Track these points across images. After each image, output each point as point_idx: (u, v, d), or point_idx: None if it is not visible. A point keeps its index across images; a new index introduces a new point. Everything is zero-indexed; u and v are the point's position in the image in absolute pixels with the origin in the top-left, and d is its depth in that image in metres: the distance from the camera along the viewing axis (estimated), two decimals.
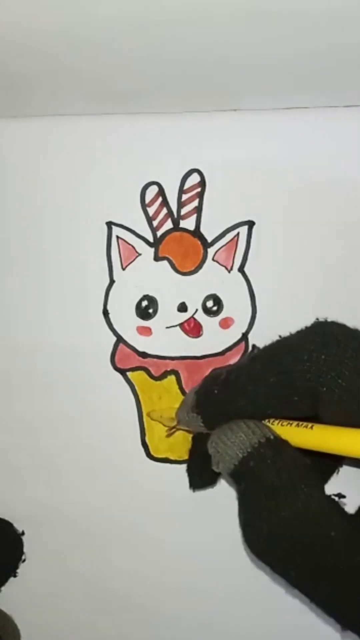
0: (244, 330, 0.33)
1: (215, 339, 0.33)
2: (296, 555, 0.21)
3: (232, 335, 0.33)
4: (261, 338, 0.33)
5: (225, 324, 0.33)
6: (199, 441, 0.26)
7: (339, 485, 0.25)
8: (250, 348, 0.33)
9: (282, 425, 0.23)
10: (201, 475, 0.29)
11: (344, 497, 0.23)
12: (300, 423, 0.22)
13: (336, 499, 0.23)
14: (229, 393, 0.24)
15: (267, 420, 0.23)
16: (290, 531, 0.21)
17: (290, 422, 0.23)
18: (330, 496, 0.22)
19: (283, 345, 0.23)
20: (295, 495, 0.21)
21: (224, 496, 0.32)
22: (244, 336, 0.33)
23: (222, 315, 0.33)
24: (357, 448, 0.20)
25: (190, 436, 0.33)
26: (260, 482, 0.22)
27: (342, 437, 0.20)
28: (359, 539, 0.20)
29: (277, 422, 0.23)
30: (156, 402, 0.33)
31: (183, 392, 0.33)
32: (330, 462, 0.25)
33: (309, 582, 0.21)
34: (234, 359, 0.33)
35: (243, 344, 0.33)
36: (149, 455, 0.33)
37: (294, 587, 0.21)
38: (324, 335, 0.22)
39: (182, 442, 0.33)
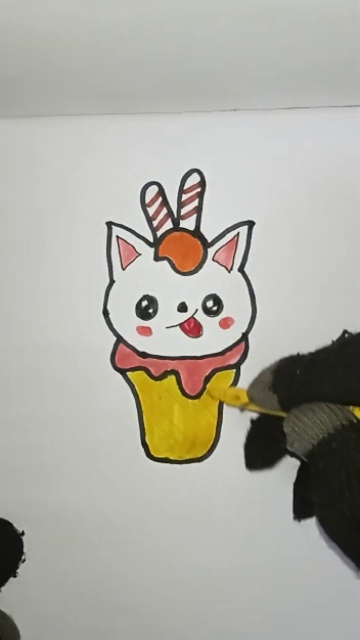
0: (244, 330, 0.33)
1: (215, 339, 0.33)
2: None
3: (232, 335, 0.33)
4: (261, 338, 0.33)
5: (225, 324, 0.33)
6: (262, 423, 0.26)
7: None
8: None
9: None
10: (263, 457, 0.29)
11: None
12: None
13: None
14: (314, 375, 0.23)
15: (351, 407, 0.23)
16: None
17: None
18: None
19: None
20: None
21: (224, 496, 0.32)
22: (244, 336, 0.33)
23: (222, 315, 0.33)
24: None
25: (189, 436, 0.33)
26: (343, 463, 0.21)
27: None
28: None
29: (359, 410, 0.23)
30: (156, 402, 0.33)
31: (183, 392, 0.33)
32: None
33: None
34: (234, 359, 0.33)
35: (243, 344, 0.33)
36: (149, 455, 0.33)
37: None
38: None
39: (182, 442, 0.33)
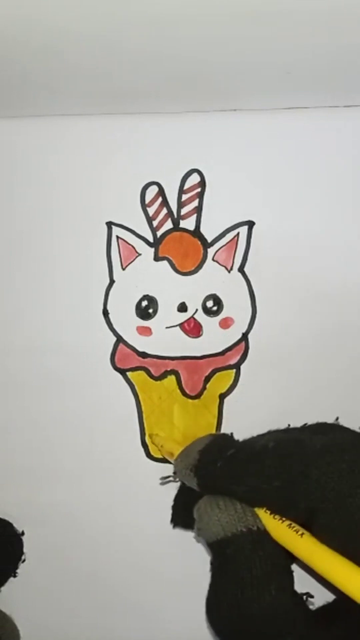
0: (244, 330, 0.33)
1: (215, 339, 0.33)
2: None
3: (232, 335, 0.33)
4: (261, 338, 0.33)
5: (225, 324, 0.33)
6: (189, 488, 0.27)
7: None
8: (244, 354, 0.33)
9: (273, 517, 0.23)
10: (184, 518, 0.30)
11: (312, 596, 0.23)
12: (293, 525, 0.22)
13: (305, 597, 0.23)
14: (231, 474, 0.24)
15: (261, 509, 0.23)
16: (251, 625, 0.21)
17: (283, 519, 0.22)
18: (300, 596, 0.22)
19: (297, 448, 0.23)
20: (261, 596, 0.21)
21: None
22: (244, 336, 0.33)
23: (222, 315, 0.33)
24: (337, 577, 0.20)
25: (189, 436, 0.33)
26: (231, 571, 0.22)
27: (326, 559, 0.20)
28: None
29: (270, 513, 0.23)
30: (156, 402, 0.33)
31: (183, 392, 0.33)
32: None
33: None
34: (234, 359, 0.33)
35: (243, 344, 0.33)
36: (148, 455, 0.33)
37: None
38: (340, 457, 0.22)
39: (182, 442, 0.33)
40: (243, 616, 0.21)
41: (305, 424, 0.27)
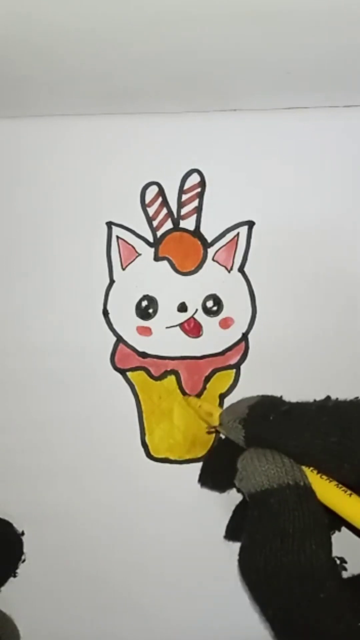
0: (244, 330, 0.33)
1: (215, 339, 0.33)
2: (281, 600, 0.21)
3: (232, 335, 0.33)
4: (261, 338, 0.33)
5: (225, 324, 0.33)
6: (227, 446, 0.26)
7: (344, 547, 0.25)
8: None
9: (320, 477, 0.23)
10: (215, 479, 0.29)
11: (345, 562, 0.23)
12: (340, 485, 0.22)
13: (337, 562, 0.23)
14: (284, 428, 0.24)
15: (307, 467, 0.23)
16: (285, 578, 0.21)
17: (331, 479, 0.22)
18: (334, 559, 0.22)
19: (357, 409, 0.23)
20: (301, 549, 0.21)
21: (223, 496, 0.32)
22: (244, 336, 0.33)
23: (222, 315, 0.33)
24: None
25: (189, 436, 0.33)
26: (273, 521, 0.22)
27: None
28: (343, 609, 0.21)
29: (317, 472, 0.23)
30: (156, 402, 0.33)
31: (183, 392, 0.33)
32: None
33: (280, 627, 0.21)
34: (234, 359, 0.33)
35: (243, 344, 0.33)
36: (149, 455, 0.33)
37: (264, 621, 0.22)
38: None
39: (182, 443, 0.33)
40: (279, 567, 0.21)
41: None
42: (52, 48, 0.26)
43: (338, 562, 0.23)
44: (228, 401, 0.33)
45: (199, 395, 0.33)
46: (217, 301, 0.33)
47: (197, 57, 0.27)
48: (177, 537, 0.33)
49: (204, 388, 0.33)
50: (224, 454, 0.26)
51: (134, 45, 0.26)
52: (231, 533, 0.31)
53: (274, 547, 0.21)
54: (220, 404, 0.33)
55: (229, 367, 0.33)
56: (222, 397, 0.33)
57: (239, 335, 0.33)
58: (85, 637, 0.34)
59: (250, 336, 0.33)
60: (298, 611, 0.21)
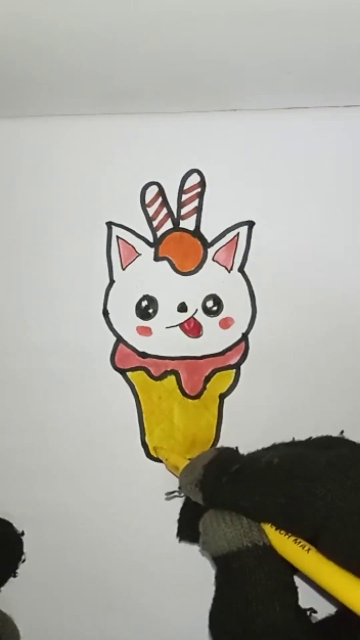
0: (244, 330, 0.33)
1: (215, 339, 0.33)
2: None
3: (232, 335, 0.33)
4: (261, 338, 0.33)
5: (225, 324, 0.33)
6: (195, 503, 0.27)
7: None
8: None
9: (279, 532, 0.23)
10: (191, 534, 0.30)
11: (315, 612, 0.23)
12: (298, 540, 0.22)
13: (308, 613, 0.23)
14: (236, 489, 0.24)
15: (267, 524, 0.23)
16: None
17: (289, 535, 0.22)
18: (304, 611, 0.22)
19: (302, 467, 0.23)
20: (266, 611, 0.21)
21: None
22: (244, 336, 0.33)
23: (222, 315, 0.33)
24: (343, 592, 0.20)
25: (189, 436, 0.33)
26: (236, 586, 0.22)
27: (331, 575, 0.20)
28: None
29: (275, 529, 0.23)
30: (156, 402, 0.33)
31: (183, 392, 0.33)
32: None
33: None
34: (234, 359, 0.33)
35: (243, 344, 0.33)
36: (148, 455, 0.33)
37: None
38: (346, 474, 0.21)
39: (182, 443, 0.33)
40: (247, 631, 0.21)
41: (310, 438, 0.27)
42: (52, 48, 0.26)
43: (309, 613, 0.23)
44: (228, 401, 0.33)
45: (198, 396, 0.33)
46: (217, 301, 0.33)
47: (197, 57, 0.27)
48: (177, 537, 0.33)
49: (204, 388, 0.33)
50: (194, 507, 0.27)
51: (134, 45, 0.26)
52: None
53: (241, 612, 0.21)
54: (220, 404, 0.33)
55: (229, 367, 0.33)
56: (222, 397, 0.33)
57: (239, 335, 0.33)
58: (85, 637, 0.34)
59: (250, 336, 0.33)
60: None
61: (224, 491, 0.24)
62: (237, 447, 0.28)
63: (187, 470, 0.27)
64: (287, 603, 0.22)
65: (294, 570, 0.22)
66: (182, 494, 0.29)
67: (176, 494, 0.30)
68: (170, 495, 0.30)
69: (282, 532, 0.22)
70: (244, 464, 0.24)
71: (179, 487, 0.28)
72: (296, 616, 0.22)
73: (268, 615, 0.21)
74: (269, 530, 0.23)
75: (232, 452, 0.27)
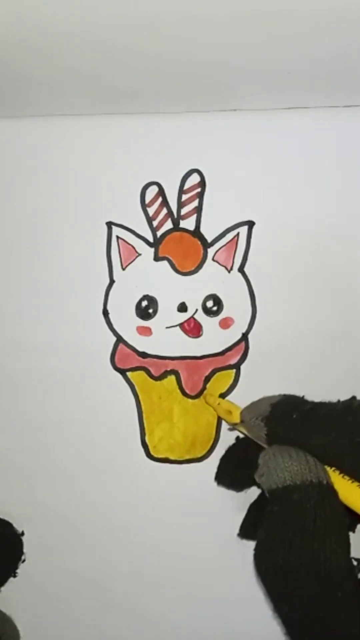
0: (244, 330, 0.33)
1: (215, 339, 0.33)
2: (297, 597, 0.21)
3: (232, 335, 0.33)
4: (261, 338, 0.33)
5: (225, 324, 0.33)
6: (245, 445, 0.26)
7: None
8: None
9: (342, 476, 0.22)
10: (232, 477, 0.29)
11: None
12: None
13: (355, 563, 0.23)
14: (308, 426, 0.23)
15: (330, 467, 0.23)
16: (304, 575, 0.21)
17: (353, 480, 0.22)
18: (352, 559, 0.22)
19: None
20: (321, 547, 0.21)
21: (223, 496, 0.32)
22: (244, 336, 0.33)
23: (222, 315, 0.33)
24: None
25: (189, 436, 0.33)
26: (294, 518, 0.22)
27: None
28: (358, 610, 0.20)
29: (338, 471, 0.23)
30: (156, 402, 0.33)
31: (183, 392, 0.33)
32: None
33: (294, 624, 0.21)
34: (234, 359, 0.33)
35: (243, 344, 0.33)
36: (148, 455, 0.33)
37: (278, 619, 0.21)
38: None
39: (182, 442, 0.33)
40: (298, 564, 0.21)
41: None
42: (52, 48, 0.26)
43: (355, 563, 0.23)
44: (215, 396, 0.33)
45: (198, 396, 0.33)
46: (217, 301, 0.33)
47: (197, 57, 0.27)
48: (177, 537, 0.33)
49: (204, 388, 0.33)
50: (242, 452, 0.26)
51: (134, 45, 0.26)
52: (245, 531, 0.30)
53: (294, 544, 0.21)
54: None
55: (229, 367, 0.33)
56: (222, 397, 0.33)
57: (239, 335, 0.33)
58: (85, 637, 0.34)
59: (250, 336, 0.33)
60: (314, 609, 0.21)
61: (294, 427, 0.24)
62: (303, 396, 0.27)
63: (251, 406, 0.27)
64: (342, 544, 0.21)
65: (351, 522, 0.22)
66: (240, 430, 0.28)
67: (240, 428, 0.29)
68: (232, 428, 0.30)
69: (346, 477, 0.22)
70: (318, 404, 0.24)
71: (235, 424, 0.27)
72: (347, 560, 0.21)
73: (323, 551, 0.21)
74: (333, 474, 0.23)
75: (300, 397, 0.26)
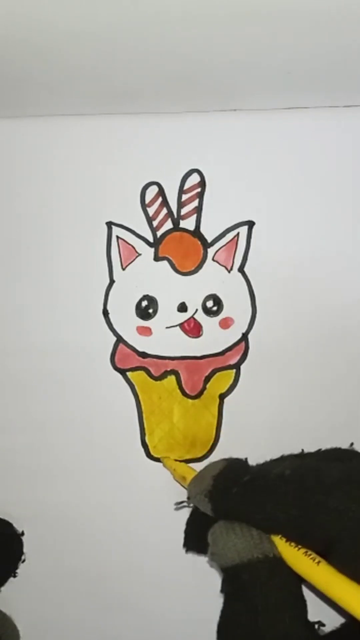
0: (244, 330, 0.33)
1: (215, 339, 0.33)
2: None
3: (232, 335, 0.33)
4: (261, 338, 0.33)
5: (225, 324, 0.33)
6: (202, 513, 0.26)
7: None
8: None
9: (289, 544, 0.22)
10: (198, 545, 0.29)
11: (323, 625, 0.23)
12: (309, 552, 0.22)
13: (316, 626, 0.23)
14: (246, 500, 0.23)
15: (277, 536, 0.23)
16: None
17: (299, 547, 0.22)
18: (312, 624, 0.22)
19: (314, 479, 0.22)
20: (277, 623, 0.21)
21: None
22: (244, 336, 0.33)
23: (222, 315, 0.33)
24: (355, 605, 0.19)
25: (189, 436, 0.33)
26: (246, 597, 0.22)
27: (343, 587, 0.20)
28: None
29: (286, 541, 0.23)
30: (156, 402, 0.33)
31: (183, 392, 0.33)
32: None
33: None
34: (234, 359, 0.33)
35: (243, 344, 0.33)
36: (148, 455, 0.33)
37: None
38: (358, 487, 0.21)
39: (182, 443, 0.33)
40: None
41: (320, 449, 0.27)
42: (52, 48, 0.26)
43: (317, 626, 0.23)
44: (228, 401, 0.33)
45: (198, 396, 0.33)
46: (217, 301, 0.33)
47: (197, 57, 0.27)
48: (177, 537, 0.33)
49: (204, 388, 0.33)
50: (202, 520, 0.26)
51: (134, 45, 0.26)
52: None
53: (251, 624, 0.21)
54: (220, 404, 0.33)
55: (229, 367, 0.33)
56: (222, 397, 0.33)
57: (239, 335, 0.33)
58: (85, 637, 0.34)
59: (250, 336, 0.33)
60: None
61: (235, 502, 0.24)
62: (246, 458, 0.27)
63: (195, 480, 0.27)
64: (298, 615, 0.22)
65: (302, 583, 0.22)
66: (190, 505, 0.29)
67: (185, 504, 0.30)
68: (179, 505, 0.30)
69: (292, 544, 0.22)
70: (255, 475, 0.24)
71: (188, 498, 0.28)
72: (306, 629, 0.22)
73: (278, 627, 0.21)
74: (279, 542, 0.23)
75: (241, 463, 0.26)
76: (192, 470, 0.29)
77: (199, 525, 0.27)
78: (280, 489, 0.23)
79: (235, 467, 0.26)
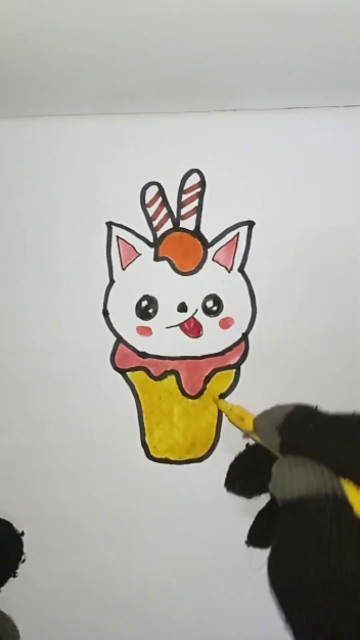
0: (244, 330, 0.33)
1: (215, 339, 0.33)
2: (311, 608, 0.21)
3: (232, 335, 0.33)
4: (261, 338, 0.33)
5: (225, 324, 0.33)
6: (256, 453, 0.26)
7: None
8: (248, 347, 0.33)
9: (357, 489, 0.22)
10: (243, 484, 0.29)
11: None
12: None
13: None
14: (324, 438, 0.23)
15: (345, 479, 0.23)
16: (319, 587, 0.21)
17: None
18: None
19: None
20: (337, 559, 0.21)
21: (223, 497, 0.32)
22: (244, 336, 0.33)
23: (222, 315, 0.33)
24: None
25: (189, 436, 0.33)
26: (310, 529, 0.22)
27: None
28: None
29: (353, 485, 0.23)
30: (156, 402, 0.33)
31: (183, 392, 0.33)
32: None
33: (306, 636, 0.21)
34: (234, 359, 0.33)
35: (243, 344, 0.33)
36: (148, 455, 0.33)
37: (289, 629, 0.21)
38: None
39: (182, 443, 0.33)
40: (314, 575, 0.21)
41: None
42: (52, 48, 0.26)
43: None
44: (228, 401, 0.33)
45: (198, 396, 0.33)
46: (217, 301, 0.33)
47: (197, 57, 0.27)
48: (177, 537, 0.33)
49: (204, 388, 0.33)
50: (252, 460, 0.26)
51: (134, 45, 0.26)
52: (254, 539, 0.30)
53: (310, 555, 0.21)
54: None
55: (229, 367, 0.33)
56: (222, 397, 0.33)
57: (239, 335, 0.33)
58: (85, 637, 0.34)
59: (250, 336, 0.33)
60: (328, 621, 0.20)
61: (309, 437, 0.23)
62: (316, 406, 0.26)
63: (265, 414, 0.27)
64: (358, 557, 0.21)
65: None
66: (250, 437, 0.29)
67: (253, 436, 0.29)
68: (246, 436, 0.30)
69: None
70: (332, 418, 0.24)
71: (243, 436, 0.28)
72: None
73: (339, 562, 0.21)
74: (348, 487, 0.23)
75: (314, 407, 0.26)
76: (251, 413, 0.28)
77: (249, 466, 0.27)
78: None
79: (309, 408, 0.25)
